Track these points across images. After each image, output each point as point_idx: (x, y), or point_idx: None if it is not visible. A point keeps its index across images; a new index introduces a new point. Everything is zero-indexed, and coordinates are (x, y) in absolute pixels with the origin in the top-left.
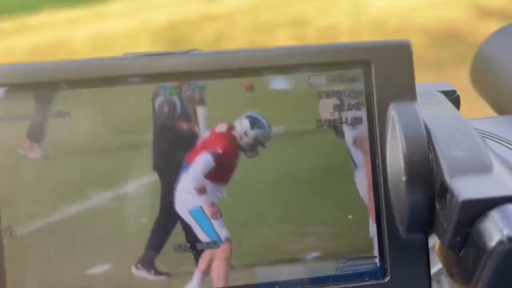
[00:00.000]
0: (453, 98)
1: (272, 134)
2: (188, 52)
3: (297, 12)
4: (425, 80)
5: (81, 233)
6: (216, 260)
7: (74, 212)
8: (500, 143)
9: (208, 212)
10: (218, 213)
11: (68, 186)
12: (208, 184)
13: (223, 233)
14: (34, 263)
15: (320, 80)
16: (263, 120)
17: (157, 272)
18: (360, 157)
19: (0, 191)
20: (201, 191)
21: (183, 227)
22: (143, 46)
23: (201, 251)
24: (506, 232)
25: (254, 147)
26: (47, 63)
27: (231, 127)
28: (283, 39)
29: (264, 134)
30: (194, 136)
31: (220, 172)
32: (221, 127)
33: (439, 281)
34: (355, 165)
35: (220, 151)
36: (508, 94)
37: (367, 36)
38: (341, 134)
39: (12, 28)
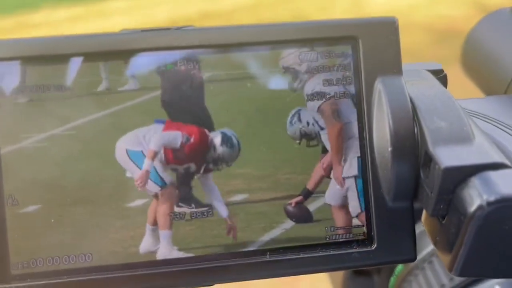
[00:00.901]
0: (441, 77)
1: (240, 154)
2: (182, 28)
3: (297, 10)
4: None
5: (81, 201)
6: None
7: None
8: (487, 121)
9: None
10: (142, 184)
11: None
12: (161, 155)
13: (167, 177)
14: (35, 230)
15: (309, 56)
16: (234, 141)
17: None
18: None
19: (3, 162)
20: (153, 154)
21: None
22: None
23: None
24: (485, 197)
25: (216, 162)
26: (49, 37)
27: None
28: None
29: (230, 155)
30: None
31: (176, 157)
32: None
33: (430, 262)
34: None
35: (192, 137)
36: (495, 75)
37: None
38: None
39: (12, 25)
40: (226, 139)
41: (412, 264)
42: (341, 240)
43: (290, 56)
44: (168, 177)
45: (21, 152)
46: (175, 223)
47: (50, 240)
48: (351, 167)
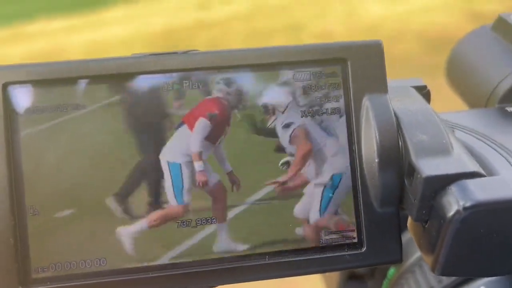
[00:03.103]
0: (424, 92)
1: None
2: (188, 52)
3: (292, 19)
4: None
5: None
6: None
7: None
8: (468, 133)
9: (196, 178)
10: (206, 182)
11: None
12: (204, 145)
13: (187, 198)
14: (54, 238)
15: (303, 75)
16: (232, 79)
17: (125, 211)
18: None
19: (26, 174)
20: (199, 156)
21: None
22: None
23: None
24: (462, 203)
25: (239, 99)
26: (66, 61)
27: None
28: (278, 44)
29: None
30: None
31: (214, 133)
32: (210, 97)
33: (420, 265)
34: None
35: (216, 111)
36: (476, 89)
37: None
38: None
39: (7, 36)
40: (228, 81)
41: (403, 268)
42: (334, 243)
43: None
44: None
45: (42, 166)
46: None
47: (67, 246)
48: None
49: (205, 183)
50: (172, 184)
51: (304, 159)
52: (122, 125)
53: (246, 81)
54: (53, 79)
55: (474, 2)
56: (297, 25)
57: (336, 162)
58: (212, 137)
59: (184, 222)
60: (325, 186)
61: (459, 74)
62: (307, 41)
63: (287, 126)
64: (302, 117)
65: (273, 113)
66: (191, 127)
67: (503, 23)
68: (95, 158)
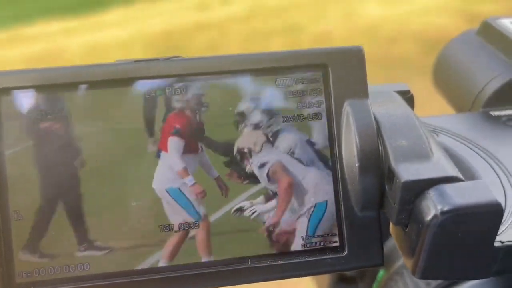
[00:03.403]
0: (408, 97)
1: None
2: (170, 58)
3: (290, 20)
4: (418, 84)
5: (80, 216)
6: (198, 236)
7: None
8: (452, 138)
9: (192, 192)
10: (202, 192)
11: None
12: (187, 160)
13: (201, 210)
14: (37, 242)
15: (285, 81)
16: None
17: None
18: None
19: (10, 179)
20: (184, 172)
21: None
22: (138, 56)
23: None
24: (439, 207)
25: (197, 103)
26: (52, 68)
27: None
28: (277, 46)
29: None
30: (156, 127)
31: (190, 145)
32: (171, 113)
33: (401, 274)
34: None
35: (177, 126)
36: (462, 93)
37: (360, 43)
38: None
39: (6, 39)
40: (183, 86)
41: (392, 270)
42: (316, 247)
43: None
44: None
45: (27, 171)
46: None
47: (52, 251)
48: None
49: (203, 194)
50: (182, 207)
51: (288, 193)
52: (109, 135)
53: (224, 87)
54: (39, 85)
55: (473, 4)
56: (296, 26)
57: (320, 191)
58: (190, 149)
59: (166, 226)
60: (310, 216)
61: (445, 78)
62: (305, 42)
63: (262, 165)
64: (283, 121)
65: (250, 156)
66: (166, 149)
67: (488, 28)
68: (78, 164)
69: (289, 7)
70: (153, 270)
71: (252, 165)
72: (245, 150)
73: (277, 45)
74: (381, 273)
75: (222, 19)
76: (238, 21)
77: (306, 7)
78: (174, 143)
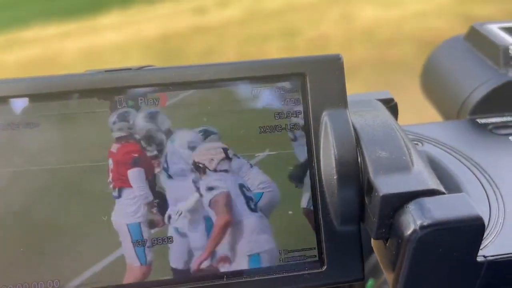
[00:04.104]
0: (392, 105)
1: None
2: (143, 67)
3: (287, 24)
4: (415, 88)
5: (49, 232)
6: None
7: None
8: (437, 147)
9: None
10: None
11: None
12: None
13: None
14: (6, 259)
15: (262, 91)
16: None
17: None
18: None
19: None
20: (151, 205)
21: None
22: (135, 59)
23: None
24: (419, 222)
25: (150, 138)
26: (16, 79)
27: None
28: (274, 50)
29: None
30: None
31: (150, 171)
32: (115, 147)
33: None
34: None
35: (136, 155)
36: (448, 100)
37: (357, 46)
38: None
39: (3, 42)
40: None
41: (381, 280)
42: (293, 262)
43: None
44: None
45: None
46: (137, 248)
47: (19, 268)
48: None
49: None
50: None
51: (223, 231)
52: (74, 145)
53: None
54: (3, 96)
55: (469, 7)
56: (293, 29)
57: (257, 241)
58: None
59: (139, 242)
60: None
61: (432, 85)
62: (302, 46)
63: (210, 189)
64: (260, 133)
65: (204, 172)
66: (128, 185)
67: (475, 33)
68: (46, 178)
69: (286, 11)
70: (125, 286)
71: (201, 182)
72: (200, 165)
73: (275, 48)
74: (370, 282)
75: (220, 23)
76: (236, 24)
77: (303, 11)
78: (136, 175)
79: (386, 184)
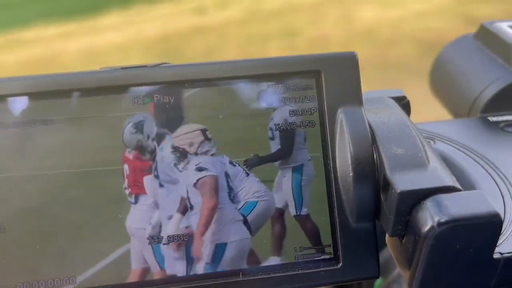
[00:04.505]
0: (404, 103)
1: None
2: (159, 65)
3: (288, 24)
4: (415, 88)
5: (65, 229)
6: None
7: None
8: (449, 144)
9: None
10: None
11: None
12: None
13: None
14: (21, 256)
15: (277, 88)
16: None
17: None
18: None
19: None
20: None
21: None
22: (136, 59)
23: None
24: (436, 218)
25: (142, 148)
26: (33, 76)
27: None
28: (274, 50)
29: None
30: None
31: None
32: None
33: (400, 282)
34: None
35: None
36: (459, 98)
37: (358, 46)
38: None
39: (3, 43)
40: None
41: (390, 278)
42: (309, 259)
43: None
44: None
45: (9, 182)
46: (155, 245)
47: (36, 265)
48: None
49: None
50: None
51: (211, 213)
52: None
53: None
54: (20, 93)
55: (469, 7)
56: (293, 30)
57: (232, 229)
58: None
59: (155, 239)
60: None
61: (442, 83)
62: (303, 46)
63: (200, 169)
64: (276, 130)
65: (185, 157)
66: (144, 191)
67: (485, 32)
68: (63, 176)
69: (286, 11)
70: (139, 284)
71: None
72: (181, 149)
73: (275, 48)
74: (378, 281)
75: (220, 23)
76: (236, 24)
77: (303, 11)
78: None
79: (403, 181)
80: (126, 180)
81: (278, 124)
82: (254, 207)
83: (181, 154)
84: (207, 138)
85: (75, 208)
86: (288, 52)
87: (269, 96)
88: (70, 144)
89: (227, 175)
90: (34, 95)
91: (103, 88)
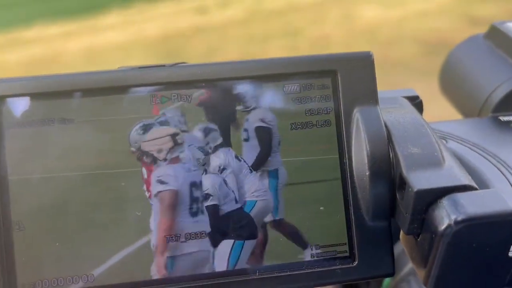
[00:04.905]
0: (417, 103)
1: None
2: (176, 64)
3: (289, 24)
4: (417, 88)
5: (82, 227)
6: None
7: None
8: (461, 144)
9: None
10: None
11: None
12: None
13: None
14: (41, 254)
15: (293, 88)
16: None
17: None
18: None
19: (12, 189)
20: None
21: None
22: (136, 59)
23: None
24: (453, 217)
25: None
26: (51, 75)
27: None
28: (275, 50)
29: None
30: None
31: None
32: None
33: (415, 275)
34: None
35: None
36: (470, 98)
37: (359, 47)
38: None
39: (5, 42)
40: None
41: (398, 277)
42: (325, 257)
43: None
44: None
45: (28, 181)
46: (172, 244)
47: (54, 262)
48: None
49: None
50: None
51: (164, 234)
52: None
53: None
54: (40, 93)
55: (470, 7)
56: (294, 30)
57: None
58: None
59: (173, 237)
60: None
61: (452, 83)
62: (304, 46)
63: (160, 182)
64: (292, 129)
65: (154, 162)
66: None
67: (495, 32)
68: (82, 173)
69: (288, 11)
70: (156, 282)
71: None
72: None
73: (276, 48)
74: (387, 280)
75: (221, 23)
76: (237, 24)
77: (304, 11)
78: None
79: (419, 180)
80: (145, 184)
81: (295, 123)
82: (253, 207)
83: (151, 160)
84: (177, 144)
85: (93, 206)
86: (289, 53)
87: (286, 96)
88: (88, 144)
89: (192, 184)
90: (52, 95)
91: (122, 88)
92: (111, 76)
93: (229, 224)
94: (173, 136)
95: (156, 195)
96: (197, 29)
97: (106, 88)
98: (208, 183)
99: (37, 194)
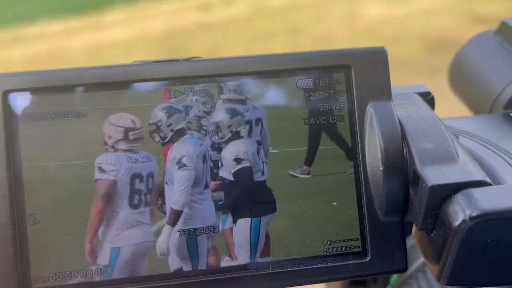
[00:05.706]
0: (428, 99)
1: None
2: (190, 59)
3: (292, 22)
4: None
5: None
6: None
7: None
8: (473, 140)
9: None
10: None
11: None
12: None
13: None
14: (55, 247)
15: (307, 83)
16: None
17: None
18: None
19: (26, 182)
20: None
21: None
22: (140, 56)
23: None
24: (468, 212)
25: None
26: (66, 69)
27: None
28: (279, 47)
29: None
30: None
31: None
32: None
33: (423, 271)
34: None
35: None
36: (480, 95)
37: (362, 45)
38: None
39: (8, 39)
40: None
41: (406, 274)
42: (337, 252)
43: None
44: None
45: (42, 174)
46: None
47: (68, 255)
48: None
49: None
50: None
51: (96, 218)
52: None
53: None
54: (54, 86)
55: (474, 4)
56: (297, 27)
57: (127, 236)
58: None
59: (186, 231)
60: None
61: (463, 80)
62: (307, 43)
63: (100, 169)
64: (305, 124)
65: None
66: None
67: (506, 28)
68: (92, 167)
69: (292, 8)
70: (173, 275)
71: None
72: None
73: (279, 45)
74: (395, 277)
75: (224, 20)
76: (241, 22)
77: (307, 8)
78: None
79: (434, 175)
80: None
81: (309, 118)
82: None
83: (104, 143)
84: (127, 139)
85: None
86: (292, 49)
87: (300, 90)
88: (101, 137)
89: (134, 176)
90: (68, 88)
91: (137, 81)
92: (125, 70)
93: (252, 196)
94: (127, 130)
95: (95, 181)
96: (201, 26)
97: (120, 82)
98: (242, 148)
99: (52, 188)
